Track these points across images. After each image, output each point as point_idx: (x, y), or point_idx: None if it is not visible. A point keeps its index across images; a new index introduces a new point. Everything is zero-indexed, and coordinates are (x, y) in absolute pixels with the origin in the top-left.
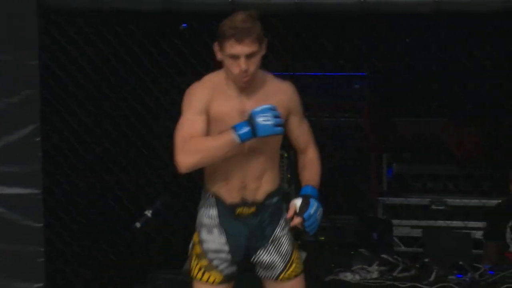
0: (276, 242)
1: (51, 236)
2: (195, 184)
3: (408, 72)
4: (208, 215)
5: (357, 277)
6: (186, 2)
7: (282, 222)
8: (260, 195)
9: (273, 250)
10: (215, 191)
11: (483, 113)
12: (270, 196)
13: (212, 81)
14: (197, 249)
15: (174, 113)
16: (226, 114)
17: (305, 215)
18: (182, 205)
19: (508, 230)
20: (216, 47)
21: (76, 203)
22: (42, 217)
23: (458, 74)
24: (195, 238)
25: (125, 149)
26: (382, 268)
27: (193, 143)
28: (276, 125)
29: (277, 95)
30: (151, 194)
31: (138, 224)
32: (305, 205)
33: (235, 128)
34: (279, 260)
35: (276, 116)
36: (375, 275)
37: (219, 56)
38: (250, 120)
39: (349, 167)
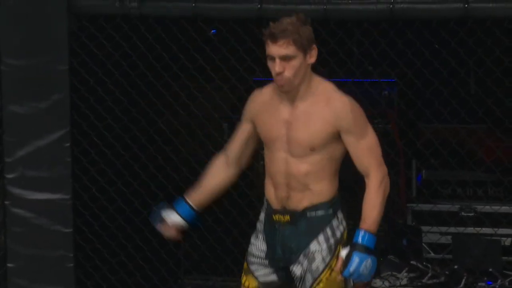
0: (309, 256)
1: (80, 241)
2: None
3: (436, 78)
4: (260, 219)
5: (386, 283)
6: (215, 8)
7: (321, 238)
8: (302, 206)
9: (305, 263)
10: (267, 197)
11: None
12: (314, 208)
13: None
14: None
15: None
16: (271, 123)
17: (345, 273)
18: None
19: None
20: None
21: (105, 208)
22: (71, 222)
23: (486, 80)
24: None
25: (153, 155)
26: (411, 274)
27: None
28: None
29: (325, 109)
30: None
31: None
32: (347, 259)
33: None
34: (309, 275)
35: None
36: (404, 281)
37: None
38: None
39: None
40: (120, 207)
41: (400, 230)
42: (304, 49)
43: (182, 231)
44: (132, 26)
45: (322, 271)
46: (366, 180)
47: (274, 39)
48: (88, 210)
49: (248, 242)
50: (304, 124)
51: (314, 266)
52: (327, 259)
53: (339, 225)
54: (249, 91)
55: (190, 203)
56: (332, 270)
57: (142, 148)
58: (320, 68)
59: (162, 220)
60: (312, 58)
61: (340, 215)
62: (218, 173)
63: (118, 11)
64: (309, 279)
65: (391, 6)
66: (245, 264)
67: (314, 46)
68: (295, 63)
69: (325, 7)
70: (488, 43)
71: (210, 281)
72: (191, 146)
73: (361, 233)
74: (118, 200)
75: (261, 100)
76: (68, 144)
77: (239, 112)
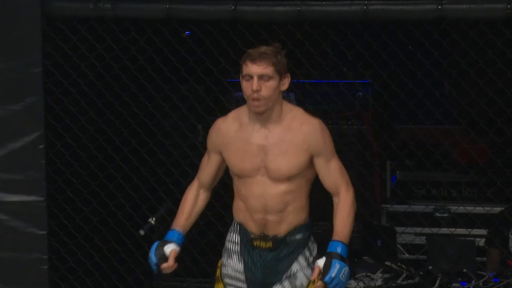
0: (291, 276)
1: (54, 243)
2: None
3: (411, 79)
4: (231, 239)
5: (361, 284)
6: (189, 9)
7: (301, 258)
8: (282, 231)
9: (287, 283)
10: (239, 221)
11: (486, 120)
12: (293, 232)
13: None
14: (217, 273)
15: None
16: (244, 153)
17: (326, 278)
18: None
19: (511, 237)
20: (240, 77)
21: (79, 210)
22: (46, 224)
23: (461, 81)
24: (219, 262)
25: (127, 156)
26: (386, 275)
27: None
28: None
29: (298, 136)
30: (155, 202)
31: (142, 232)
32: (327, 267)
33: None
34: None
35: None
36: (379, 282)
37: (241, 84)
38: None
39: (353, 175)
40: (95, 208)
41: (375, 231)
42: (280, 74)
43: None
44: (106, 28)
45: (307, 287)
46: (336, 198)
47: (254, 59)
48: (62, 212)
49: (222, 244)
50: (281, 154)
51: (298, 283)
52: (309, 274)
53: (313, 243)
54: (223, 92)
55: (180, 231)
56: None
57: (117, 150)
58: (295, 70)
59: (165, 258)
60: (284, 85)
61: (312, 235)
62: (197, 200)
63: (92, 13)
64: None
65: (365, 7)
66: (219, 285)
67: (288, 75)
68: (272, 84)
69: (299, 8)
70: (462, 45)
71: (185, 283)
72: (166, 147)
73: (338, 244)
74: (93, 201)
75: (226, 131)
76: (42, 146)
77: (214, 113)
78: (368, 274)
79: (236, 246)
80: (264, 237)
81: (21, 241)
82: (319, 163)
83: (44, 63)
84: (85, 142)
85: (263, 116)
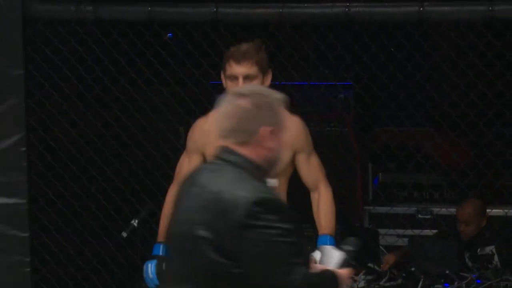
0: None
1: (37, 245)
2: None
3: (391, 81)
4: None
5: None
6: (170, 11)
7: None
8: None
9: None
10: None
11: (467, 122)
12: None
13: None
14: None
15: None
16: None
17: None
18: None
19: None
20: (222, 75)
21: (61, 212)
22: (28, 227)
23: (441, 83)
24: None
25: (109, 159)
26: (369, 277)
27: None
28: None
29: None
30: (137, 204)
31: (124, 234)
32: (327, 257)
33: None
34: None
35: None
36: (361, 284)
37: (224, 83)
38: None
39: (334, 177)
40: (77, 211)
41: (357, 233)
42: (263, 72)
43: None
44: (88, 30)
45: None
46: (314, 194)
47: (238, 60)
48: (44, 215)
49: None
50: None
51: None
52: None
53: None
54: (205, 94)
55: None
56: None
57: (98, 152)
58: (277, 72)
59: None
60: (267, 81)
61: None
62: None
63: (73, 16)
64: None
65: (346, 9)
66: None
67: (269, 71)
68: (256, 83)
69: (281, 10)
70: (444, 47)
71: None
72: (148, 150)
73: (327, 237)
74: (75, 204)
75: (208, 129)
76: (24, 149)
77: (195, 115)
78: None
79: None
80: None
81: (3, 243)
82: (301, 159)
83: (26, 66)
84: (67, 144)
85: None
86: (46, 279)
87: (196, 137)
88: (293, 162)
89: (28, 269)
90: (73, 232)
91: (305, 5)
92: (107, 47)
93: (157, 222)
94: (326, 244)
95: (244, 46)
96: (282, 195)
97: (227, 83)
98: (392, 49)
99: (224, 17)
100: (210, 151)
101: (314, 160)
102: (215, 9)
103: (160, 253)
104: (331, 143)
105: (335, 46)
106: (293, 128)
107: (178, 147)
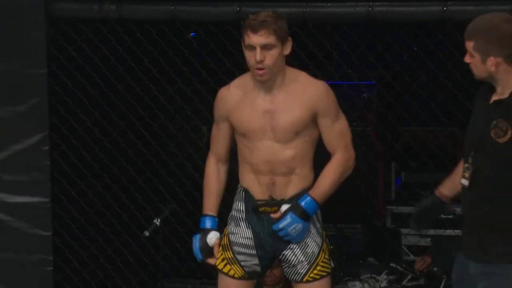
0: (301, 243)
1: (59, 244)
2: (201, 193)
3: (414, 81)
4: (237, 208)
5: (366, 286)
6: (193, 11)
7: (311, 227)
8: (288, 194)
9: (298, 250)
10: (245, 186)
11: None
12: (299, 195)
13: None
14: (225, 240)
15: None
16: (250, 115)
17: (274, 226)
18: (190, 214)
19: None
20: (242, 43)
21: (84, 211)
22: (50, 226)
23: (464, 83)
24: (225, 230)
25: (132, 158)
26: (391, 277)
27: None
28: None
29: (303, 96)
30: (159, 203)
31: (146, 233)
32: (282, 216)
33: None
34: (304, 260)
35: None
36: (383, 284)
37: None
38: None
39: (357, 176)
40: (100, 210)
41: (380, 233)
42: (282, 40)
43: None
44: (111, 29)
45: (318, 255)
46: (332, 157)
47: (255, 29)
48: (67, 214)
49: None
50: (286, 112)
51: (309, 251)
52: (320, 243)
53: (319, 210)
54: None
55: (214, 214)
56: (325, 252)
57: (121, 151)
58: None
59: (209, 250)
60: (287, 50)
61: None
62: (219, 176)
63: (97, 15)
64: (304, 266)
65: (369, 8)
66: (228, 254)
67: (290, 38)
68: (275, 52)
69: (304, 9)
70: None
71: (189, 284)
72: (171, 149)
73: (307, 198)
74: (98, 203)
75: (231, 97)
76: (47, 148)
77: None
78: (373, 275)
79: (241, 213)
80: (270, 201)
81: (26, 242)
82: (323, 123)
83: (49, 65)
84: (90, 143)
85: (267, 83)
86: (69, 278)
87: (219, 107)
88: (316, 126)
89: (51, 268)
90: (95, 231)
91: (328, 4)
92: (130, 46)
93: (179, 222)
94: (300, 203)
95: (262, 15)
96: (307, 166)
97: (246, 53)
98: (415, 48)
99: (247, 16)
100: (234, 118)
101: (338, 127)
102: (238, 8)
103: (207, 226)
104: (353, 142)
105: (358, 45)
106: (314, 91)
107: (201, 146)
